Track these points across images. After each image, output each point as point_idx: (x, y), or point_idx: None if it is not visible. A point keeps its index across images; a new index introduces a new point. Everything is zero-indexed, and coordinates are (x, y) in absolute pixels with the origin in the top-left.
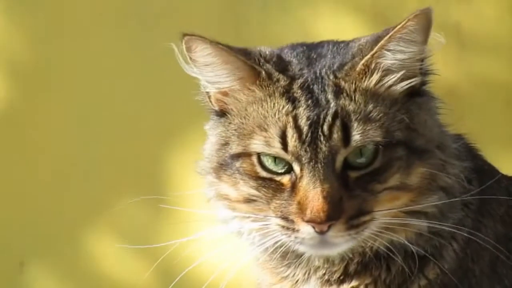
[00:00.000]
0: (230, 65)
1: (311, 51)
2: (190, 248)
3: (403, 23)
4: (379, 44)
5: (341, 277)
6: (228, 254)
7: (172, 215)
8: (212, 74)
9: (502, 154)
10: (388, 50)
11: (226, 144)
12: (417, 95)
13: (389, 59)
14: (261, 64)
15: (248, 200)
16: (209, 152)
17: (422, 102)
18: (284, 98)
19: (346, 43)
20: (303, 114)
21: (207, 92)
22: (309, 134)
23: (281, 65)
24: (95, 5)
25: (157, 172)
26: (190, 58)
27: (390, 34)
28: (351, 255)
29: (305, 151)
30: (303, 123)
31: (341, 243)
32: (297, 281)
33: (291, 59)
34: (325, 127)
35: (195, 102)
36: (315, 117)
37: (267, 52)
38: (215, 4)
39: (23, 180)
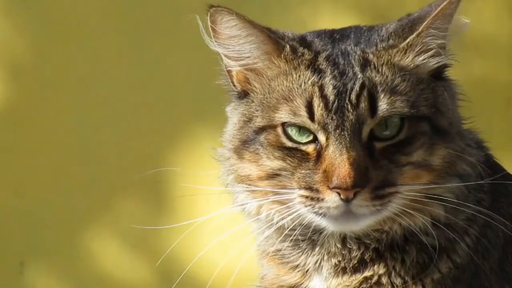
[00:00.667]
0: (255, 37)
1: (334, 33)
2: (189, 249)
3: (446, 1)
4: (425, 24)
5: (357, 265)
6: (240, 239)
7: (173, 215)
8: (237, 47)
9: (502, 154)
10: (435, 29)
11: (249, 120)
12: (441, 78)
13: (434, 38)
14: (285, 39)
15: (271, 176)
16: (230, 133)
17: (446, 85)
18: (309, 70)
19: (369, 27)
20: (329, 83)
21: (229, 71)
22: (336, 103)
23: (305, 42)
24: (95, 4)
25: (158, 172)
26: (214, 31)
27: (435, 13)
28: (368, 241)
29: (332, 119)
30: (330, 91)
31: (366, 215)
32: (307, 270)
33: (314, 39)
34: (353, 96)
35: (198, 102)
36: (342, 87)
37: (289, 34)
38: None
39: (23, 180)
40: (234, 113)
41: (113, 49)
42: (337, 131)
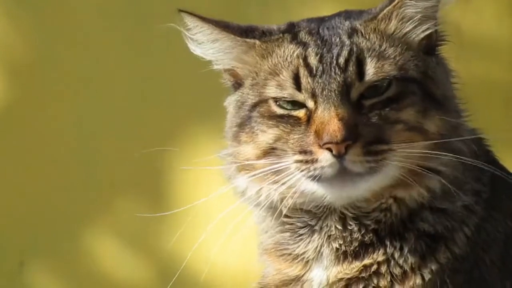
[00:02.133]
0: (226, 40)
1: (324, 17)
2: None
3: None
4: None
5: (357, 249)
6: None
7: (174, 215)
8: (211, 50)
9: (502, 154)
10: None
11: (243, 103)
12: (433, 54)
13: (410, 8)
14: (255, 37)
15: (267, 152)
16: (229, 123)
17: (439, 61)
18: (293, 44)
19: (360, 10)
20: (312, 52)
21: (218, 67)
22: (320, 67)
23: (287, 28)
24: (95, 4)
25: (158, 171)
26: (191, 38)
27: None
28: (368, 222)
29: (317, 83)
30: (312, 58)
31: (361, 174)
32: (308, 261)
33: (302, 23)
34: (341, 60)
35: (197, 102)
36: (326, 52)
37: (275, 27)
38: (215, 4)
39: (22, 179)
40: (231, 104)
41: (113, 49)
42: (324, 92)
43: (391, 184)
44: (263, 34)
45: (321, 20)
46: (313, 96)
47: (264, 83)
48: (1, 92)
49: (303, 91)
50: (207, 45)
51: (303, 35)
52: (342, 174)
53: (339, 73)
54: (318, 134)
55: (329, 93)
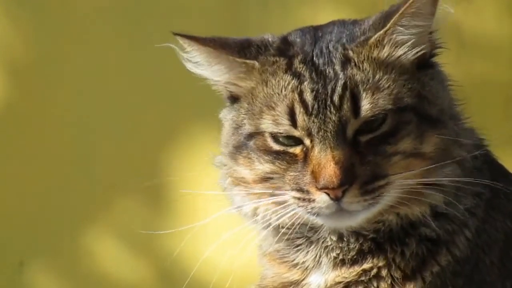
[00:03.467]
0: (223, 61)
1: (318, 29)
2: (188, 248)
3: None
4: (392, 21)
5: (355, 257)
6: (238, 241)
7: (173, 215)
8: (209, 72)
9: (502, 154)
10: (402, 26)
11: (239, 127)
12: (427, 66)
13: (401, 34)
14: (255, 56)
15: (264, 179)
16: (225, 139)
17: (433, 73)
18: (288, 74)
19: (353, 21)
20: (308, 87)
21: (215, 85)
22: (316, 106)
23: (282, 47)
24: (95, 4)
25: (159, 171)
26: (188, 59)
27: (402, 10)
28: (365, 233)
29: (313, 122)
30: (308, 96)
31: (359, 210)
32: (307, 267)
33: (296, 39)
34: (335, 98)
35: (197, 102)
36: (321, 89)
37: (269, 39)
38: (215, 4)
39: (22, 179)
40: (226, 119)
41: (113, 49)
42: (320, 133)
43: (391, 205)
44: (259, 50)
45: (315, 38)
46: (309, 134)
47: (260, 115)
48: (1, 92)
49: (299, 128)
50: (205, 66)
51: (297, 64)
52: (340, 211)
53: (334, 111)
54: (314, 176)
55: (325, 134)
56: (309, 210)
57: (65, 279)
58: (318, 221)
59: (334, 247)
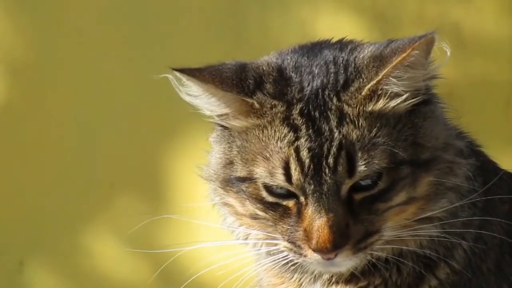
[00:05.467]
0: (221, 98)
1: (314, 60)
2: (195, 251)
3: (408, 51)
4: (385, 72)
5: (349, 278)
6: (235, 262)
7: (175, 209)
8: (206, 105)
9: (502, 154)
10: (394, 77)
11: (230, 163)
12: (422, 105)
13: (394, 85)
14: (254, 93)
15: (255, 217)
16: (215, 167)
17: (428, 110)
18: (285, 125)
19: (350, 50)
20: (305, 145)
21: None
22: (312, 167)
23: (279, 85)
24: (95, 4)
25: (158, 171)
26: (186, 92)
27: (395, 62)
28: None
29: (309, 183)
30: (305, 155)
31: (349, 263)
32: (302, 284)
33: (291, 74)
34: (330, 160)
35: None
36: (318, 148)
37: (264, 68)
38: (215, 4)
39: (22, 179)
40: (216, 145)
41: (113, 49)
42: (315, 195)
43: (383, 245)
44: (256, 83)
45: (311, 73)
46: (304, 193)
47: (254, 161)
48: (1, 92)
49: (294, 185)
50: (203, 100)
51: (296, 116)
52: (330, 264)
53: (329, 174)
54: (307, 236)
55: (320, 196)
56: (300, 261)
57: (65, 278)
58: (309, 266)
59: (326, 271)
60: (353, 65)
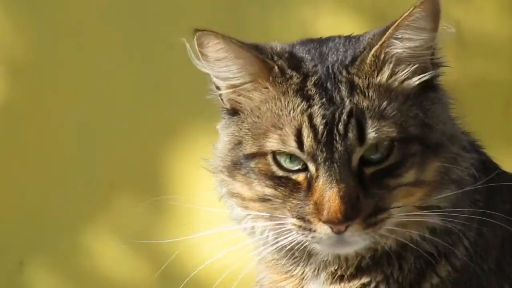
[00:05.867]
0: (242, 60)
1: (323, 45)
2: (196, 248)
3: (409, 10)
4: (387, 34)
5: (354, 273)
6: (238, 254)
7: (175, 213)
8: (224, 69)
9: (502, 154)
10: (396, 39)
11: (239, 143)
12: (429, 89)
13: (398, 48)
14: (274, 59)
15: (263, 199)
16: (222, 151)
17: (435, 96)
18: (298, 96)
19: (357, 37)
20: (318, 112)
21: (219, 92)
22: (325, 134)
23: (294, 61)
24: (95, 4)
25: (158, 171)
26: (202, 54)
27: (397, 22)
28: (364, 252)
29: (321, 151)
30: (319, 122)
31: (358, 241)
32: (304, 278)
33: (304, 55)
34: (341, 126)
35: (197, 101)
36: (330, 116)
37: (278, 48)
38: (215, 4)
39: (22, 179)
40: (224, 132)
41: (113, 49)
42: (327, 163)
43: (388, 233)
44: (273, 56)
45: (321, 56)
46: (315, 161)
47: (265, 134)
48: (1, 92)
49: (305, 152)
50: (223, 63)
51: (310, 86)
52: (339, 241)
53: (340, 141)
54: (318, 208)
55: (331, 164)
56: (309, 239)
57: (65, 278)
58: (316, 247)
59: (332, 262)
60: (360, 43)
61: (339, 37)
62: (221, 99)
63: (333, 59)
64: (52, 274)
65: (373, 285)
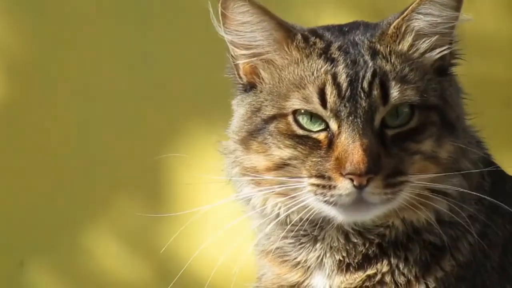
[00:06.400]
0: (267, 24)
1: (343, 26)
2: (189, 248)
3: None
4: (410, 7)
5: (361, 261)
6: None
7: (175, 210)
8: (248, 34)
9: (502, 154)
10: (419, 13)
11: (258, 110)
12: (447, 75)
13: (420, 21)
14: (297, 28)
15: (280, 166)
16: (237, 125)
17: (451, 81)
18: (322, 58)
19: (376, 23)
20: (343, 71)
21: (236, 64)
22: (349, 91)
23: (315, 33)
24: (95, 4)
25: (158, 171)
26: (226, 17)
27: None
28: (372, 237)
29: (345, 106)
30: (343, 79)
31: (376, 204)
32: (308, 267)
33: (324, 32)
34: (365, 84)
35: (197, 101)
36: (354, 75)
37: (298, 26)
38: (215, 5)
39: (23, 179)
40: (240, 105)
41: (113, 48)
42: (350, 118)
43: (399, 207)
44: (294, 27)
45: (342, 32)
46: (337, 118)
47: (287, 95)
48: (1, 92)
49: (328, 110)
50: (247, 28)
51: (333, 50)
52: (358, 202)
53: (364, 97)
54: (340, 162)
55: (355, 120)
56: (327, 198)
57: (66, 278)
58: (331, 212)
59: (341, 249)
60: (381, 24)
61: (358, 22)
62: (238, 74)
63: (354, 34)
64: (52, 274)
65: (378, 277)
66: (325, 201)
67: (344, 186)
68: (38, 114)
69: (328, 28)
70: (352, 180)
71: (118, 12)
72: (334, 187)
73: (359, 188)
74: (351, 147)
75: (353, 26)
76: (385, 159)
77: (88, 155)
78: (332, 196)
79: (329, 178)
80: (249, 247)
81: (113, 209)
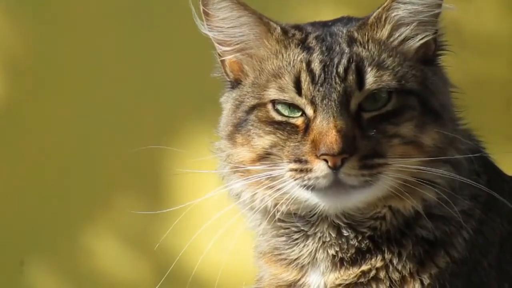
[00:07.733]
0: (247, 18)
1: (328, 22)
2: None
3: None
4: None
5: (354, 256)
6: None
7: (173, 214)
8: (229, 30)
9: (502, 154)
10: (399, 2)
11: (240, 103)
12: (431, 64)
13: (400, 11)
14: (277, 23)
15: (263, 156)
16: (224, 121)
17: (437, 70)
18: (299, 48)
19: (362, 17)
20: (316, 58)
21: (222, 60)
22: (322, 75)
23: (296, 27)
24: (95, 4)
25: (158, 171)
26: (207, 14)
27: None
28: (363, 230)
29: (318, 91)
30: (316, 65)
31: (355, 186)
32: (303, 265)
33: (306, 26)
34: (340, 69)
35: (196, 101)
36: (329, 61)
37: (282, 22)
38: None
39: (22, 179)
40: (227, 102)
41: (113, 48)
42: (324, 101)
43: (385, 195)
44: (277, 22)
45: (325, 25)
46: (313, 103)
47: (265, 85)
48: (1, 92)
49: (303, 96)
50: (230, 24)
51: (310, 40)
52: (336, 185)
53: (339, 82)
54: (315, 144)
55: (329, 103)
56: (305, 182)
57: (66, 278)
58: (312, 198)
59: (333, 244)
60: (362, 18)
61: (343, 17)
62: (225, 71)
63: (335, 26)
64: (52, 274)
65: (372, 272)
66: (304, 185)
67: (319, 167)
68: (38, 113)
69: (313, 23)
70: (326, 161)
71: (118, 12)
72: (311, 169)
73: (334, 168)
74: (325, 128)
75: (337, 20)
76: (361, 141)
77: (87, 155)
78: (309, 179)
79: (306, 162)
80: (241, 241)
81: (113, 209)
